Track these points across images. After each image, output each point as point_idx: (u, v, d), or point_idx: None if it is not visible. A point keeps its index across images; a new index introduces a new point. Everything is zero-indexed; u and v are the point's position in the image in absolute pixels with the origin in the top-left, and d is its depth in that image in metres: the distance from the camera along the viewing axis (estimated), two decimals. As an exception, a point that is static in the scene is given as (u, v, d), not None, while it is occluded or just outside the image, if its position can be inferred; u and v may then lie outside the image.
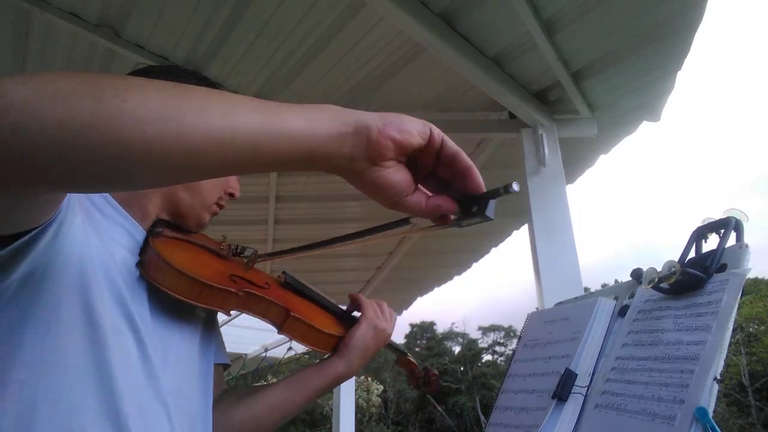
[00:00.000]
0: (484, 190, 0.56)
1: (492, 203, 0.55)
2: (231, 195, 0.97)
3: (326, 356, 1.01)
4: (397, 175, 0.54)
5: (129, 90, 0.44)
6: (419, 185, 0.57)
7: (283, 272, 1.02)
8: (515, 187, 0.53)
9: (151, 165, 0.45)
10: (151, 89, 0.46)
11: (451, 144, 0.56)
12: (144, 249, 0.80)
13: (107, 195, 0.82)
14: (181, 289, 0.78)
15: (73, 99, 0.42)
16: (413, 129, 0.54)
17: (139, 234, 0.83)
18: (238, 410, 0.95)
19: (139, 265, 0.79)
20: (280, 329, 0.92)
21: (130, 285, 0.76)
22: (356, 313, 1.08)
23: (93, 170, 0.45)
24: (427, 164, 0.56)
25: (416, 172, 0.56)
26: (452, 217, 0.58)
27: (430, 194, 0.57)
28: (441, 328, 34.07)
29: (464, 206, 0.57)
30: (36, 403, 0.63)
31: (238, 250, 0.95)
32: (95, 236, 0.72)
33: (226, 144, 0.46)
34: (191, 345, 0.85)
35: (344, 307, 1.10)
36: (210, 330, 0.92)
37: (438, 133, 0.56)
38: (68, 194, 0.63)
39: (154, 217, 0.88)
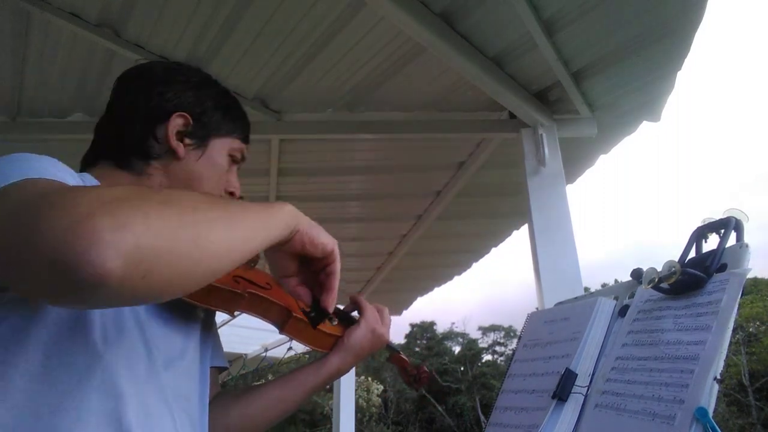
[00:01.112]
0: (330, 309, 0.78)
1: (320, 324, 0.88)
2: (231, 194, 0.96)
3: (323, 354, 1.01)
4: (288, 260, 0.75)
5: (213, 221, 0.56)
6: (305, 276, 0.78)
7: None
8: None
9: (211, 279, 0.58)
10: (219, 220, 0.57)
11: (336, 267, 0.77)
12: None
13: None
14: None
15: (183, 241, 0.51)
16: (320, 244, 0.73)
17: None
18: (237, 408, 0.96)
19: None
20: (282, 329, 0.93)
21: None
22: (354, 314, 1.08)
23: (183, 289, 0.54)
24: (316, 267, 0.77)
25: (308, 267, 0.77)
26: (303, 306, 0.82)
27: (303, 285, 0.79)
28: (441, 328, 33.94)
29: (312, 306, 0.79)
30: (37, 409, 0.62)
31: None
32: None
33: (248, 252, 0.61)
34: (191, 346, 0.85)
35: (342, 307, 1.10)
36: (208, 331, 0.92)
37: (335, 254, 0.76)
38: None
39: None
